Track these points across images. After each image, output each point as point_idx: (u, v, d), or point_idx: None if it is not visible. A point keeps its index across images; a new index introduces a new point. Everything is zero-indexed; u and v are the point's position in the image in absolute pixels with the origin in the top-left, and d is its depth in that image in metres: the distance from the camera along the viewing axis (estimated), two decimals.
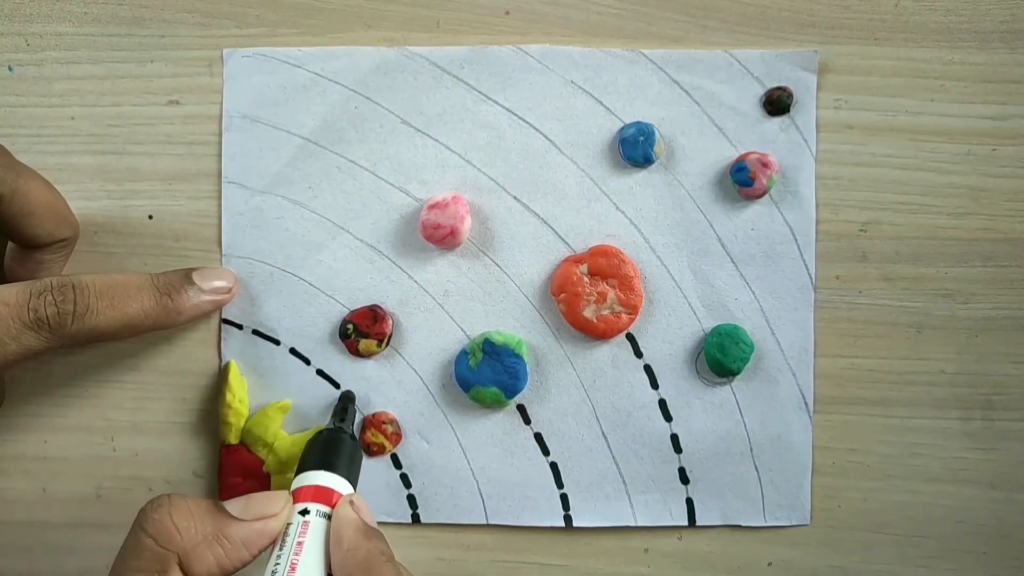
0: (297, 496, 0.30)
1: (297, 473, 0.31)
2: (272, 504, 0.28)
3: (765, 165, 0.34)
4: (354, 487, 0.32)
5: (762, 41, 0.35)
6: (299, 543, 0.28)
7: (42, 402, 0.36)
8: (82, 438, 0.36)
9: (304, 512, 0.29)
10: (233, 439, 0.35)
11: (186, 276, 0.33)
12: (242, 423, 0.35)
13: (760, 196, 0.35)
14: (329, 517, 0.29)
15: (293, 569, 0.27)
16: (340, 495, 0.30)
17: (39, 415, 0.36)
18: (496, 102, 0.35)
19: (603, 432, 0.35)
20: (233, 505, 0.28)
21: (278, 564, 0.27)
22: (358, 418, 0.35)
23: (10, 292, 0.29)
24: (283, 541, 0.28)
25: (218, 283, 0.34)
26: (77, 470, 0.36)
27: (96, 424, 0.36)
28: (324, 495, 0.30)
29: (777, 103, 0.34)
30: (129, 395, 0.35)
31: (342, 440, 0.32)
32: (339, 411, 0.34)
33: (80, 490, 0.36)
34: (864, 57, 0.35)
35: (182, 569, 0.27)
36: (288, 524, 0.29)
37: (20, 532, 0.36)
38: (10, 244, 0.34)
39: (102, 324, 0.30)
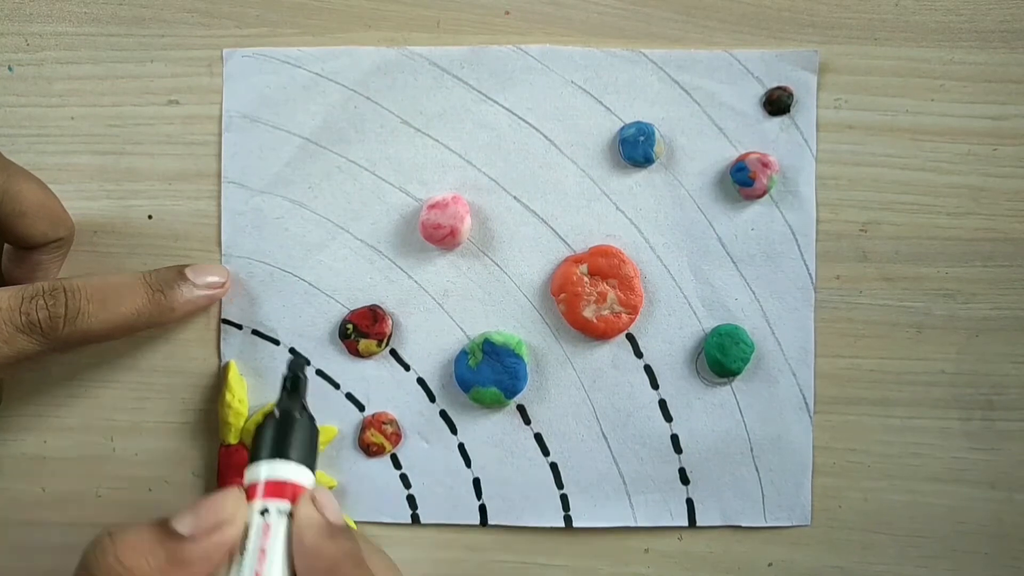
0: (252, 492, 0.27)
1: (250, 461, 0.28)
2: (224, 508, 0.26)
3: (765, 165, 0.34)
4: (312, 471, 0.29)
5: (762, 41, 0.35)
6: (262, 550, 0.26)
7: (41, 402, 0.36)
8: (82, 438, 0.36)
9: (264, 511, 0.26)
10: (233, 439, 0.35)
11: (179, 272, 0.33)
12: (242, 423, 0.35)
13: (760, 196, 0.35)
14: (291, 515, 0.27)
15: None
16: (300, 488, 0.28)
17: (39, 415, 0.36)
18: (496, 102, 0.35)
19: (603, 432, 0.35)
20: (182, 522, 0.25)
21: (240, 574, 0.25)
22: (358, 418, 0.35)
23: (2, 297, 0.29)
24: (244, 546, 0.26)
25: (211, 279, 0.34)
26: (77, 470, 0.36)
27: (96, 424, 0.36)
28: (282, 489, 0.27)
29: (777, 103, 0.34)
30: (129, 395, 0.35)
31: (294, 421, 0.29)
32: (290, 383, 0.30)
33: (80, 490, 0.36)
34: (864, 57, 0.35)
35: None
36: (247, 526, 0.26)
37: (20, 532, 0.36)
38: (6, 246, 0.34)
39: (95, 326, 0.30)
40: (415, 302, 0.35)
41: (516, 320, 0.35)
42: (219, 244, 0.35)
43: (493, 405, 0.35)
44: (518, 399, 0.35)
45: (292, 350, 0.35)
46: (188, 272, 0.33)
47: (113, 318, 0.30)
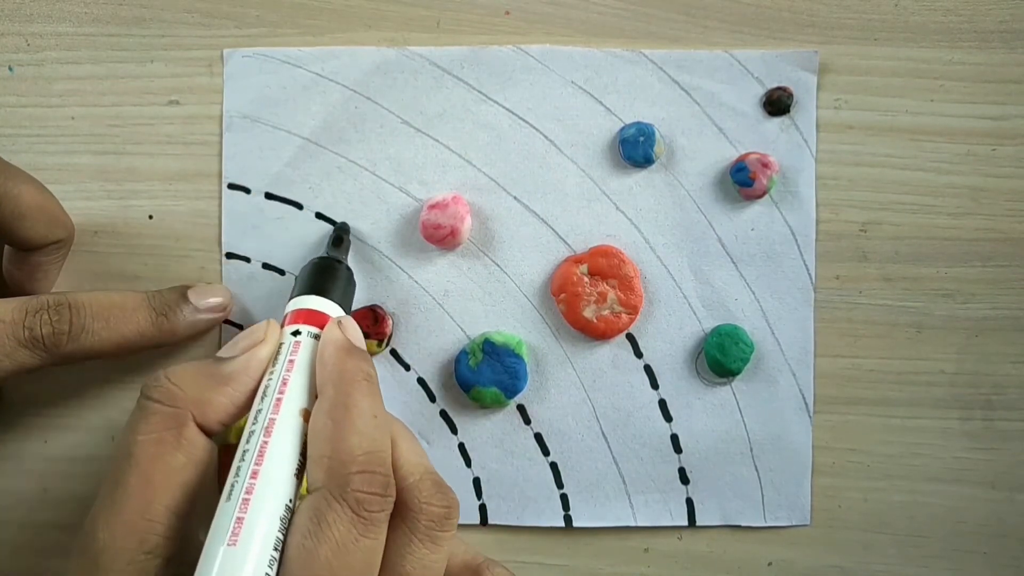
0: (289, 320, 0.30)
1: (290, 300, 0.32)
2: (258, 331, 0.29)
3: (765, 165, 0.34)
4: (347, 313, 0.32)
5: (762, 41, 0.35)
6: (290, 360, 0.29)
7: (42, 402, 0.36)
8: (82, 438, 0.36)
9: (296, 333, 0.30)
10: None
11: (181, 295, 0.33)
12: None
13: (760, 196, 0.35)
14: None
15: (284, 383, 0.28)
16: (332, 318, 0.30)
17: (39, 415, 0.36)
18: (496, 102, 0.35)
19: (603, 432, 0.35)
20: (223, 350, 0.29)
21: (270, 380, 0.28)
22: None
23: (6, 309, 0.29)
24: (276, 360, 0.29)
25: (213, 300, 0.34)
26: (78, 470, 0.36)
27: (96, 424, 0.36)
28: (316, 318, 0.30)
29: (777, 103, 0.34)
30: (129, 395, 0.35)
31: (335, 267, 0.32)
32: (335, 240, 0.34)
33: (80, 490, 0.36)
34: (864, 57, 0.35)
35: (198, 423, 0.27)
36: (281, 345, 0.29)
37: (20, 532, 0.36)
38: (6, 248, 0.34)
39: (97, 344, 0.30)
40: (415, 302, 0.35)
41: (516, 320, 0.35)
42: (219, 244, 0.35)
43: (493, 405, 0.35)
44: (518, 399, 0.35)
45: (342, 224, 0.35)
46: (191, 294, 0.33)
47: (116, 338, 0.31)
